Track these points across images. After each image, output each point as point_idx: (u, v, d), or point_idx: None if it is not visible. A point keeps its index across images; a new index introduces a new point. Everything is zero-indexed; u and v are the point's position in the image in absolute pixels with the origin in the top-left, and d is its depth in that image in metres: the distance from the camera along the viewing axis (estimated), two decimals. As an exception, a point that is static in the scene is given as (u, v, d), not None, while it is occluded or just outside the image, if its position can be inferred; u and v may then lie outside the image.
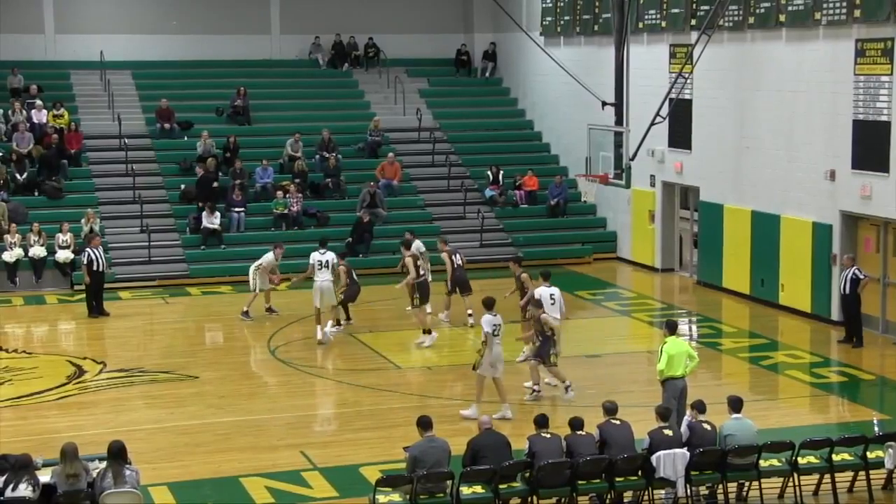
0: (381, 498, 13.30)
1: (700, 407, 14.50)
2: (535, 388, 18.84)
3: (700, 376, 19.02)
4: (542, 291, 19.92)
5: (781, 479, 14.44)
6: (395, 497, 13.33)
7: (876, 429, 15.02)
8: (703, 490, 14.35)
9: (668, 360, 16.24)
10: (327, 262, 22.82)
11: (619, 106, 27.59)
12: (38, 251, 27.98)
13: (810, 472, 14.41)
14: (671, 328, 16.81)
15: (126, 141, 32.40)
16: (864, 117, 22.85)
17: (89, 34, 35.23)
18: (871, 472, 14.46)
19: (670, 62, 28.54)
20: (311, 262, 23.00)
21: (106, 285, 26.22)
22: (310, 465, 15.98)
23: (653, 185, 29.80)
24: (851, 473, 14.61)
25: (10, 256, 27.84)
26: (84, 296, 25.63)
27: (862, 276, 21.90)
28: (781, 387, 20.23)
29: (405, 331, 23.87)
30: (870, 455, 14.47)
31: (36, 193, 30.45)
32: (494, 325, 17.80)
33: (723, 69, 26.83)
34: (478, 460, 13.57)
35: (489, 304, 18.13)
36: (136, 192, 30.83)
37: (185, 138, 33.18)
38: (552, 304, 19.69)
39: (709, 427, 14.27)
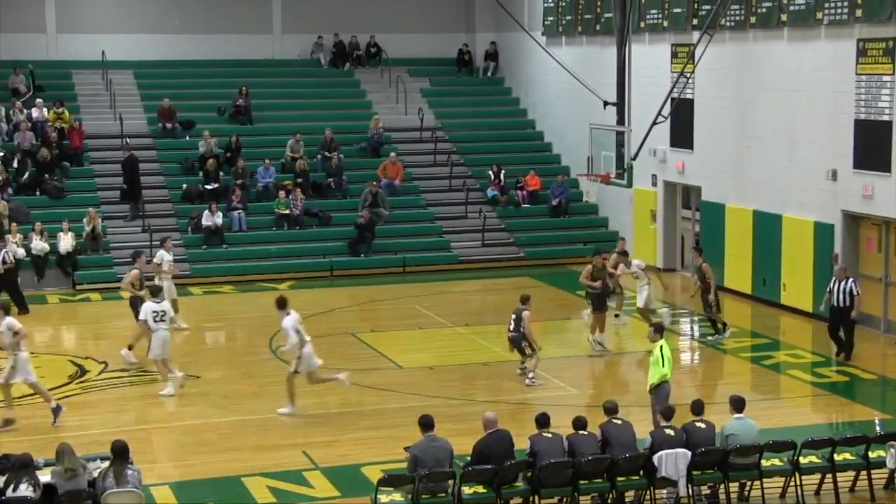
0: (382, 498, 13.29)
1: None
2: None
3: (702, 375, 19.06)
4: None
5: (783, 479, 14.44)
6: (397, 497, 13.33)
7: (877, 428, 15.03)
8: (705, 490, 14.35)
9: (669, 363, 16.28)
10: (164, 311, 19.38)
11: (620, 105, 27.57)
12: (39, 250, 27.97)
13: (812, 471, 14.41)
14: (660, 331, 16.84)
15: (128, 140, 32.38)
16: (865, 117, 22.84)
17: (91, 34, 35.24)
18: (872, 471, 14.45)
19: (672, 62, 28.53)
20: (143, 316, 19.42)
21: (108, 284, 26.19)
22: (311, 465, 15.98)
23: (654, 184, 29.79)
24: (853, 473, 14.61)
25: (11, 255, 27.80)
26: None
27: (857, 292, 20.93)
28: (783, 386, 20.22)
29: (407, 331, 23.89)
30: (871, 455, 14.47)
31: (38, 193, 30.47)
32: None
33: (724, 69, 26.81)
34: (483, 462, 13.55)
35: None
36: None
37: (187, 138, 33.18)
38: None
39: (703, 426, 14.27)
